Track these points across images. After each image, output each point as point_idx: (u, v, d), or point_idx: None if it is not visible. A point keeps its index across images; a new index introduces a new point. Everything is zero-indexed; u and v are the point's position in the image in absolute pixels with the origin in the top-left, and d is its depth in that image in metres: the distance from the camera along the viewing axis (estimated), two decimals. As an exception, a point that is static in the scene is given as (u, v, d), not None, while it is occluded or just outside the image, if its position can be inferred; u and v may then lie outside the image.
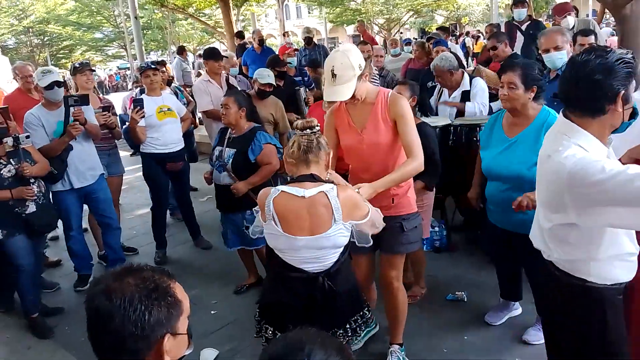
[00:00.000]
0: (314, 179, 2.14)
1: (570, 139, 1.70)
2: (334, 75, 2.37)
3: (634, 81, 1.68)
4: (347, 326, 2.28)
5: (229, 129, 3.75)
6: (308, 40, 8.43)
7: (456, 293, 3.61)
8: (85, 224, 4.60)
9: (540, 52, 3.72)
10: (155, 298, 1.11)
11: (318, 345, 1.00)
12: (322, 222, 2.08)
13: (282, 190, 2.13)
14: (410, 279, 3.70)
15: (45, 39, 28.22)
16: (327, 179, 2.22)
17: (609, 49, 1.71)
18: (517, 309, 3.34)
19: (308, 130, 2.19)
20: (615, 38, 7.51)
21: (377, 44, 9.44)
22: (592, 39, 4.21)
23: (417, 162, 2.48)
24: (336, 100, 2.53)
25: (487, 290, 3.59)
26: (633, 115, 1.73)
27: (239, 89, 5.24)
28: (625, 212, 1.55)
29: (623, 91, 1.64)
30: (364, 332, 2.37)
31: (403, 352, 2.94)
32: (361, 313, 2.35)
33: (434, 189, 3.66)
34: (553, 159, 1.72)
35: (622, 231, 1.76)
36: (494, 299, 3.43)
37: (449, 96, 4.50)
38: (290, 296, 2.21)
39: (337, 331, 2.26)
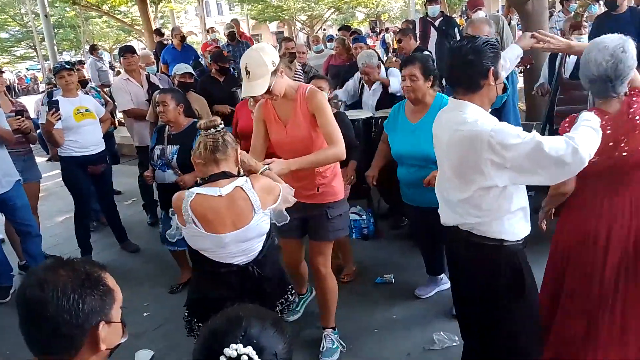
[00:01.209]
0: (226, 176, 2.18)
1: (465, 112, 1.95)
2: (247, 72, 2.44)
3: (501, 60, 2.00)
4: (276, 309, 2.37)
5: (167, 127, 3.72)
6: (231, 36, 8.35)
7: (384, 276, 3.79)
8: (1, 234, 4.37)
9: None
10: (88, 287, 1.14)
11: (255, 318, 1.07)
12: (244, 215, 2.14)
13: (197, 193, 2.14)
14: (340, 262, 3.87)
15: (-58, 40, 26.08)
16: (246, 169, 2.29)
17: (477, 36, 2.05)
18: (445, 283, 3.53)
19: (212, 129, 2.21)
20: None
21: (250, 39, 9.39)
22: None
23: (337, 149, 2.56)
24: (252, 96, 2.60)
25: (412, 271, 3.79)
26: (504, 90, 2.05)
27: (161, 87, 5.17)
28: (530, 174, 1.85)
29: (492, 67, 1.95)
30: (290, 314, 2.47)
31: (336, 335, 3.07)
32: (285, 297, 2.44)
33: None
34: (465, 130, 1.92)
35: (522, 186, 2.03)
36: (419, 279, 3.64)
37: (370, 89, 4.70)
38: (222, 290, 2.24)
39: None
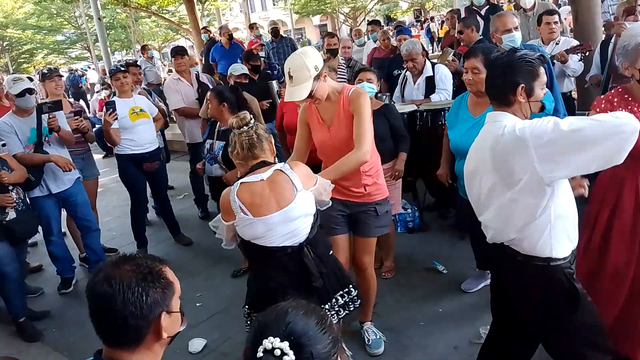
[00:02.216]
0: (265, 164, 2.29)
1: (502, 121, 1.91)
2: (290, 77, 2.50)
3: (540, 78, 1.92)
4: (334, 301, 2.40)
5: (218, 122, 3.87)
6: (275, 32, 8.48)
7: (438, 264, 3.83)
8: (64, 228, 4.64)
9: (497, 34, 3.85)
10: (151, 281, 1.23)
11: (301, 315, 1.10)
12: (286, 194, 2.23)
13: (241, 182, 2.25)
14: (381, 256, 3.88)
15: (4, 44, 27.49)
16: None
17: (519, 49, 2.00)
18: None
19: (245, 127, 2.30)
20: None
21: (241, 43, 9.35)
22: (556, 17, 4.45)
23: (359, 153, 2.54)
24: (294, 101, 2.62)
25: (459, 264, 3.79)
26: (542, 109, 1.97)
27: (210, 86, 5.33)
28: (581, 155, 1.72)
29: (523, 84, 1.90)
30: (352, 308, 2.49)
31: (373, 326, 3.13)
32: (347, 289, 2.47)
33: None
34: (506, 136, 1.85)
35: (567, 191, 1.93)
36: (466, 272, 3.63)
37: (414, 83, 4.66)
38: (281, 277, 2.31)
39: (323, 307, 2.38)
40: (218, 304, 3.82)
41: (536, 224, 1.89)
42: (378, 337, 3.07)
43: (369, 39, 8.39)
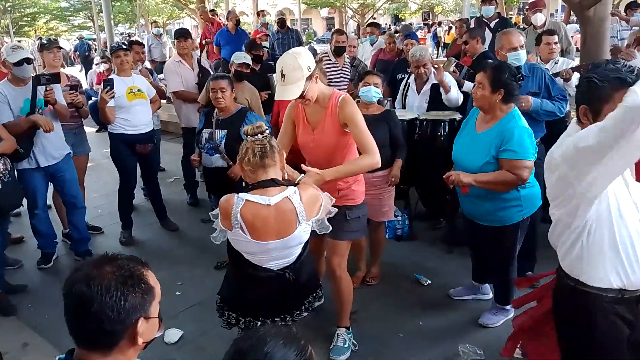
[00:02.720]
0: (275, 183, 2.20)
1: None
2: (283, 76, 2.48)
3: (613, 103, 1.71)
4: (303, 307, 2.47)
5: (215, 111, 3.80)
6: (281, 23, 8.39)
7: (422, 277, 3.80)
8: (49, 201, 4.57)
9: (503, 51, 3.81)
10: (131, 285, 1.19)
11: (280, 344, 1.08)
12: (289, 225, 2.19)
13: (246, 200, 2.17)
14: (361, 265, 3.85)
15: (7, 5, 27.08)
16: (285, 178, 2.32)
17: (598, 66, 1.84)
18: (485, 294, 3.50)
19: (259, 135, 2.23)
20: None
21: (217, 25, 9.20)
22: (556, 37, 4.43)
23: (372, 159, 2.56)
24: (286, 99, 2.61)
25: (444, 277, 3.77)
26: None
27: (211, 71, 5.26)
28: (608, 160, 1.63)
29: (585, 106, 1.82)
30: (315, 305, 2.55)
31: (350, 335, 3.09)
32: (314, 293, 2.53)
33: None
34: (551, 155, 1.88)
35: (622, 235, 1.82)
36: (450, 286, 3.62)
37: (418, 91, 4.59)
38: (260, 292, 2.32)
39: (294, 312, 2.43)
40: (198, 295, 3.77)
41: (567, 241, 1.90)
42: (345, 345, 3.03)
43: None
